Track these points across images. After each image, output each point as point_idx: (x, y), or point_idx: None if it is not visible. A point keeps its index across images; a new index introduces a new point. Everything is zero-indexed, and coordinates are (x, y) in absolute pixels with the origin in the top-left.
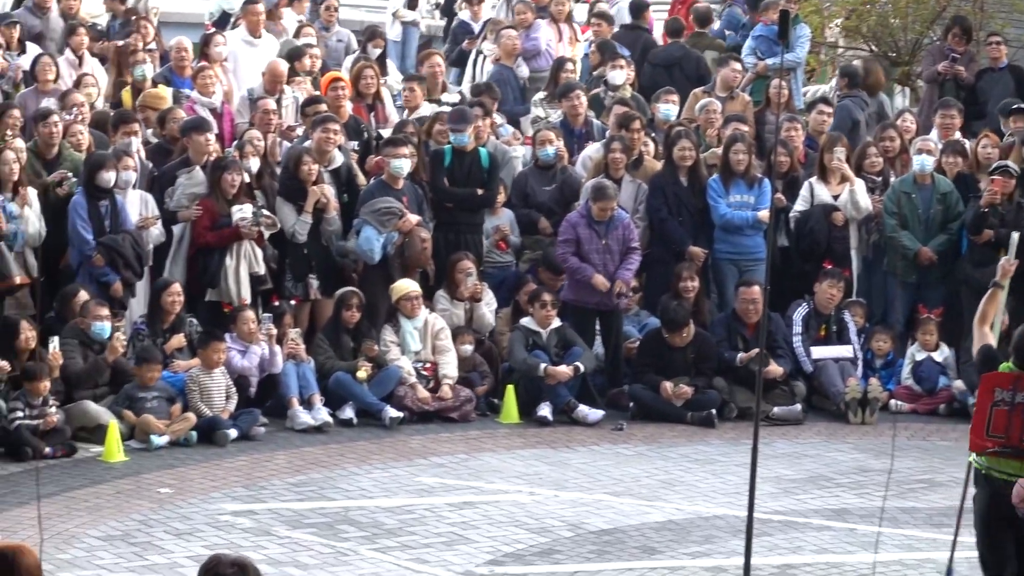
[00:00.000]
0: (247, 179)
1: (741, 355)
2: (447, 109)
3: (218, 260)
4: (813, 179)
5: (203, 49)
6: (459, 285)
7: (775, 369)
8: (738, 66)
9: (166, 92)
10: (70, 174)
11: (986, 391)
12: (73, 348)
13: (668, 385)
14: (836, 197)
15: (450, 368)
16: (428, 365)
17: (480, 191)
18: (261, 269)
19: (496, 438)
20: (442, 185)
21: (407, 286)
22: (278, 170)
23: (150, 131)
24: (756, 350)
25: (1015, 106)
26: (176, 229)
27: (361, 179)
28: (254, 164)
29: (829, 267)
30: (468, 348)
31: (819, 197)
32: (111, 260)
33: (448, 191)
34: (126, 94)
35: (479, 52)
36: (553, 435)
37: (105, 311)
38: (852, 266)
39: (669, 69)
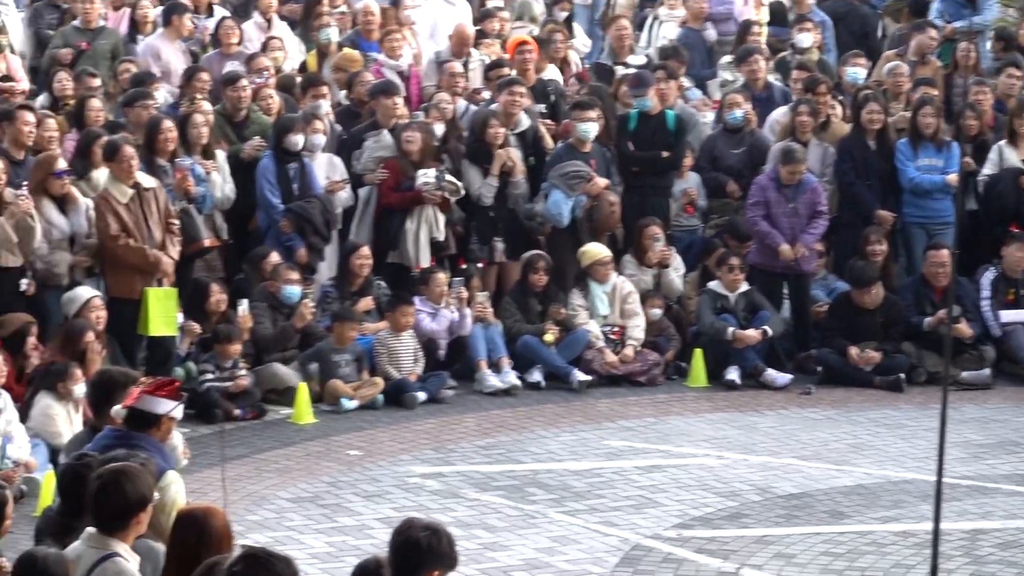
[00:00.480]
0: (434, 143)
1: (929, 319)
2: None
3: (399, 222)
4: (1003, 143)
5: (392, 12)
6: (647, 251)
7: (964, 330)
8: (934, 33)
9: (357, 55)
10: (262, 141)
11: None
12: (262, 312)
13: (855, 350)
14: None
15: (638, 331)
16: (616, 329)
17: (666, 154)
18: (441, 235)
19: (684, 402)
20: (627, 149)
21: (599, 251)
22: (464, 133)
23: (343, 93)
24: (942, 312)
25: None
26: (363, 192)
27: (548, 142)
28: (439, 128)
29: (1017, 231)
30: (657, 312)
31: (1008, 161)
32: (299, 226)
33: (633, 155)
34: (311, 57)
35: (655, 17)
36: (741, 399)
37: (295, 275)
38: None
39: (835, 25)
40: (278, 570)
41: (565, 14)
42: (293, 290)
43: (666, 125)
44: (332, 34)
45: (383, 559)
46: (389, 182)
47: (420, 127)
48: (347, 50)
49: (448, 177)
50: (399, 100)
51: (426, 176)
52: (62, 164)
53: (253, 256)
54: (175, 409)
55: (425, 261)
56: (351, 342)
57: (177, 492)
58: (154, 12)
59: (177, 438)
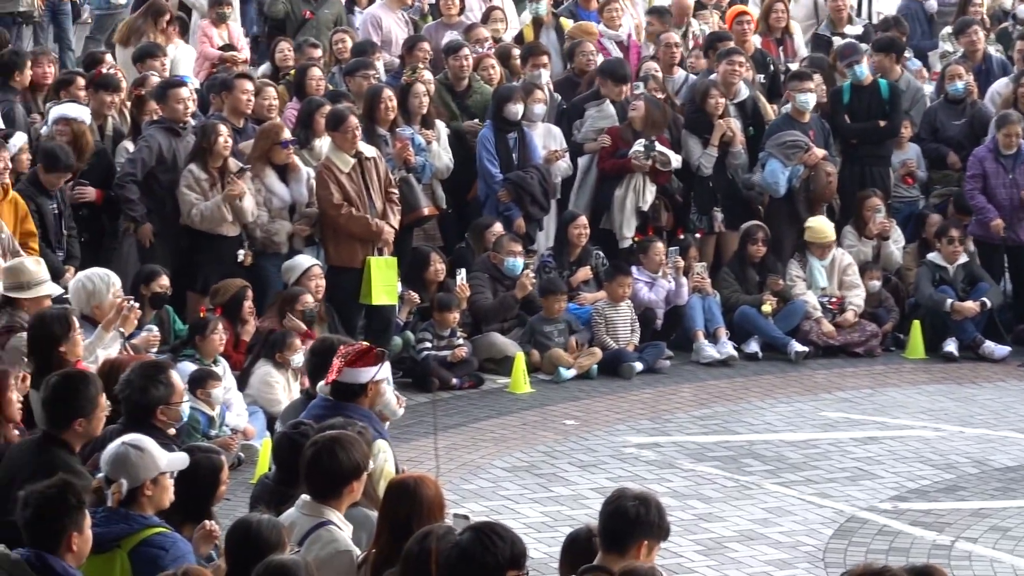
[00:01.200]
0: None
1: None
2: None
3: (609, 189)
4: None
5: None
6: (867, 222)
7: None
8: None
9: (592, 26)
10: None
11: None
12: (483, 282)
13: None
14: None
15: (858, 300)
16: (834, 300)
17: (883, 123)
18: (646, 206)
19: (901, 373)
20: (842, 122)
21: (824, 231)
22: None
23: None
24: None
25: None
26: (582, 161)
27: (768, 112)
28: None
29: None
30: (876, 284)
31: None
32: (517, 196)
33: (849, 126)
34: (527, 29)
35: None
36: (959, 371)
37: (518, 246)
38: None
39: None
40: (498, 549)
41: None
42: (516, 262)
43: (880, 95)
44: (542, 7)
45: (594, 528)
46: (609, 149)
47: (647, 98)
48: (582, 22)
49: (659, 147)
50: (625, 88)
51: (638, 145)
52: (287, 133)
53: (476, 226)
54: (379, 372)
55: (629, 231)
56: (560, 312)
57: (386, 460)
58: None
59: (389, 392)
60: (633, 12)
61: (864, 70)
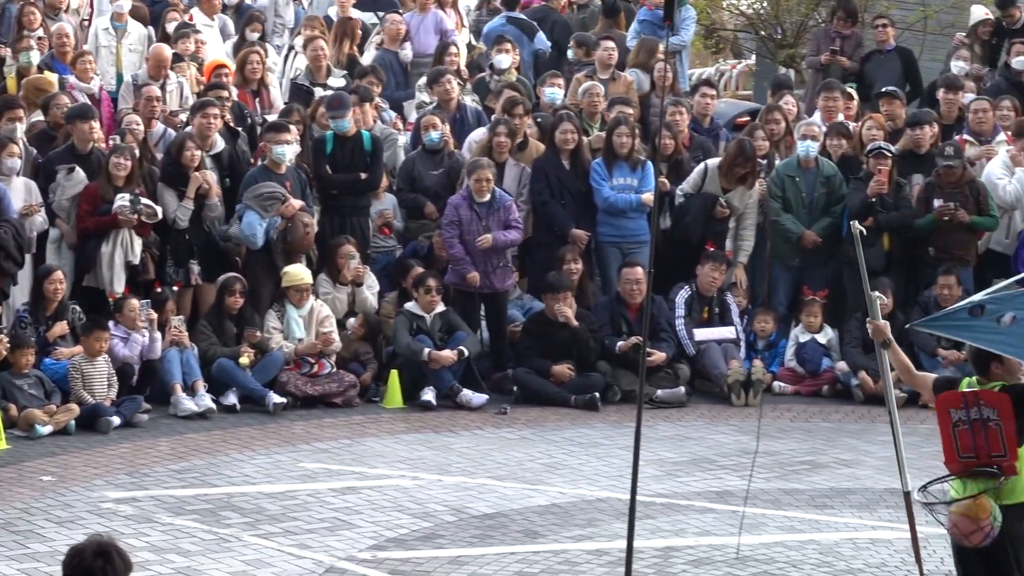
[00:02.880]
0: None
1: (620, 343)
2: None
3: (94, 246)
4: (712, 162)
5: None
6: (341, 269)
7: (658, 356)
8: (611, 44)
9: (52, 78)
10: None
11: (942, 413)
12: None
13: (621, 343)
14: (726, 191)
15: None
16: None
17: (363, 175)
18: (136, 259)
19: (380, 423)
20: (324, 172)
21: (300, 275)
22: (159, 156)
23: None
24: (635, 338)
25: (884, 89)
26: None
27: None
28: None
29: (711, 249)
30: (353, 322)
31: (710, 183)
32: None
33: (330, 178)
34: (11, 80)
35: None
36: (437, 419)
37: None
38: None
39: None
40: None
41: (257, 35)
42: None
43: (362, 146)
44: (34, 57)
45: None
46: (86, 206)
47: (129, 152)
48: (36, 75)
49: (144, 200)
50: (95, 124)
51: (122, 199)
52: None
53: None
54: None
55: (120, 285)
56: (28, 367)
57: None
58: None
59: None
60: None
61: (348, 123)
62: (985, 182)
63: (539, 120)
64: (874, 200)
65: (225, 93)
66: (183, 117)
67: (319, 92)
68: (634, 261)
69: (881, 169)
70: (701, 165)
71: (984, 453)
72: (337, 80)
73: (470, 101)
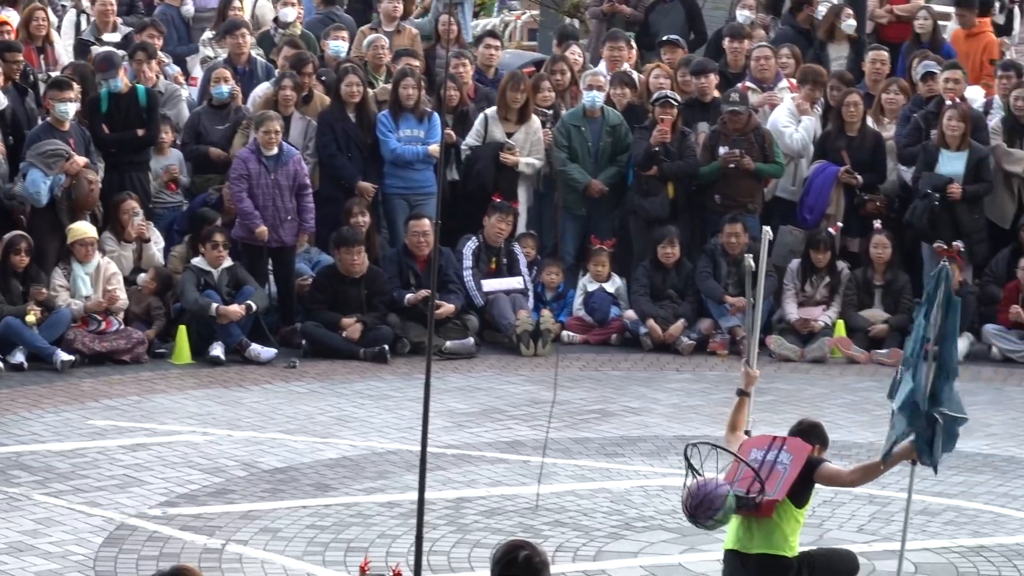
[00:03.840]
0: None
1: (409, 296)
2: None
3: None
4: (490, 112)
5: None
6: (125, 226)
7: (446, 308)
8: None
9: None
10: None
11: (745, 450)
12: None
13: (345, 320)
14: (510, 135)
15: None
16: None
17: (140, 132)
18: None
19: (168, 379)
20: (100, 132)
21: (85, 230)
22: None
23: None
24: (424, 292)
25: (665, 37)
26: None
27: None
28: None
29: (498, 200)
30: (145, 276)
31: (492, 133)
32: None
33: (106, 137)
34: None
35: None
36: (226, 375)
37: None
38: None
39: None
40: None
41: None
42: None
43: (138, 102)
44: None
45: None
46: None
47: None
48: None
49: None
50: None
51: None
52: None
53: None
54: None
55: None
56: None
57: None
58: None
59: None
60: None
61: (120, 82)
62: (771, 130)
63: (323, 77)
64: (657, 149)
65: (16, 55)
66: None
67: (96, 49)
68: (421, 213)
69: (664, 119)
70: (481, 115)
71: (755, 487)
72: (114, 36)
73: (256, 55)
